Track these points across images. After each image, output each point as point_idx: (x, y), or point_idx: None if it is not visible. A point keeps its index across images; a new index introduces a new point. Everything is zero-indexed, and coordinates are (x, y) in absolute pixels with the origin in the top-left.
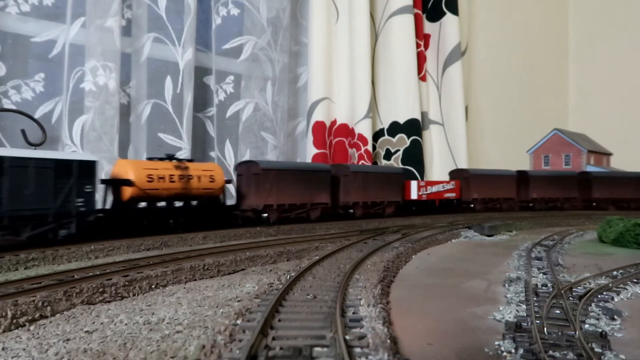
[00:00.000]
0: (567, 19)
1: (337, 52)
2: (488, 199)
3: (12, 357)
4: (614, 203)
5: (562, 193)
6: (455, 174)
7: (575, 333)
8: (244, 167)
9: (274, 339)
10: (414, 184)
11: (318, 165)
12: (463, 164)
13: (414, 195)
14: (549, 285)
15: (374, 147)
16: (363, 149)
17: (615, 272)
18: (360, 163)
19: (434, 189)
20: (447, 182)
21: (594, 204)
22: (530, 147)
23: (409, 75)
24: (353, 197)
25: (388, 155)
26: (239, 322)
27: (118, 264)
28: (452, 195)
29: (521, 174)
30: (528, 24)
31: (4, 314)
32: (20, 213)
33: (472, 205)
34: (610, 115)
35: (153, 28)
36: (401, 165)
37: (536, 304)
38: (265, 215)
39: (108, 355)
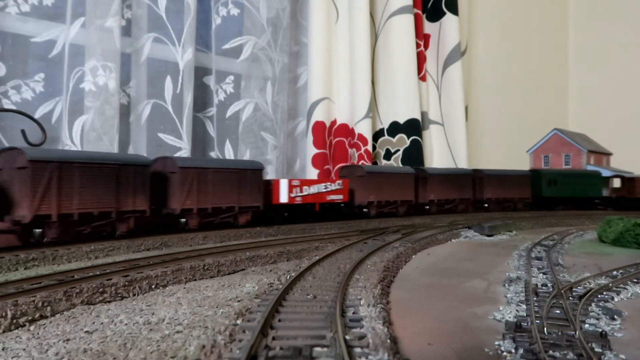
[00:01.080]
0: (567, 18)
1: (337, 52)
2: (385, 202)
3: (12, 357)
4: (500, 203)
5: (458, 193)
6: (347, 172)
7: (575, 333)
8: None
9: (274, 339)
10: (283, 183)
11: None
12: (463, 164)
13: (283, 198)
14: (549, 285)
15: (374, 147)
16: (363, 149)
17: (615, 272)
18: (360, 163)
19: (312, 189)
20: (332, 182)
21: (486, 205)
22: (530, 147)
23: (409, 75)
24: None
25: (388, 155)
26: (239, 322)
27: (118, 264)
28: (338, 197)
29: (419, 172)
30: (528, 24)
31: (4, 314)
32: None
33: (365, 210)
34: (610, 115)
35: (153, 28)
36: (401, 165)
37: (536, 304)
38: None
39: (108, 355)
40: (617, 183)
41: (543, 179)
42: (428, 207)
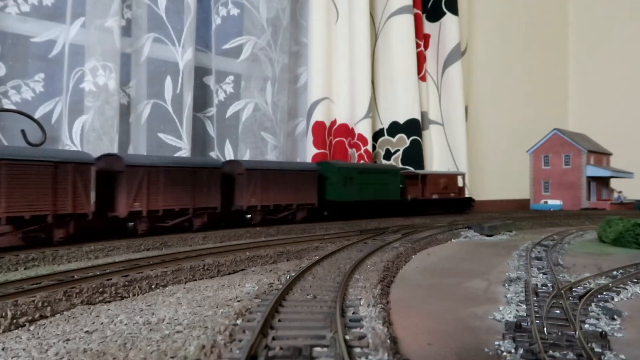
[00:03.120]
0: (567, 19)
1: (337, 52)
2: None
3: (12, 357)
4: (271, 213)
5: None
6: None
7: (575, 333)
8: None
9: (273, 339)
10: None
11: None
12: (463, 164)
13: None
14: (549, 285)
15: (374, 147)
16: (363, 149)
17: (615, 272)
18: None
19: None
20: None
21: (249, 215)
22: (530, 147)
23: (408, 75)
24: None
25: (388, 155)
26: (238, 322)
27: (118, 264)
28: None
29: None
30: (528, 24)
31: (4, 314)
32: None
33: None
34: (610, 115)
35: (153, 28)
36: (401, 165)
37: (536, 304)
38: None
39: (108, 355)
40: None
41: (335, 176)
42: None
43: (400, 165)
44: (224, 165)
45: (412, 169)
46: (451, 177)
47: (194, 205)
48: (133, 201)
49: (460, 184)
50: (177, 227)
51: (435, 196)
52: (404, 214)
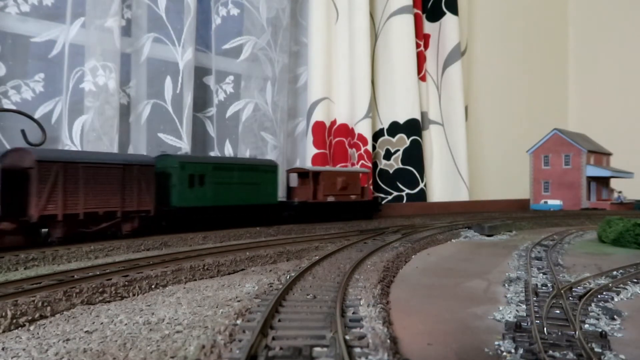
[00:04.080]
0: (567, 18)
1: (337, 52)
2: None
3: (12, 357)
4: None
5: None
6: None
7: (575, 333)
8: None
9: (273, 339)
10: None
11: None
12: (463, 164)
13: None
14: (548, 285)
15: (374, 147)
16: (363, 149)
17: (615, 272)
18: (360, 163)
19: None
20: None
21: None
22: (530, 147)
23: (408, 75)
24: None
25: (388, 155)
26: (238, 322)
27: (118, 264)
28: None
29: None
30: (528, 24)
31: (4, 314)
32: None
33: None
34: (610, 115)
35: (153, 28)
36: (401, 165)
37: (536, 304)
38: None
39: (108, 355)
40: (294, 181)
41: (178, 173)
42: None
43: (401, 165)
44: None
45: (309, 165)
46: (352, 175)
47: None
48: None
49: (363, 183)
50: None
51: (331, 198)
52: (287, 221)
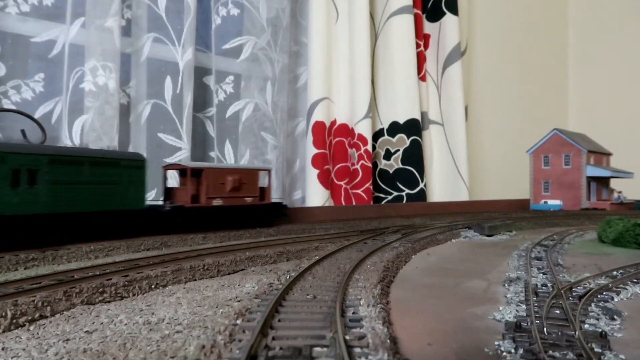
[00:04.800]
0: (567, 18)
1: (337, 52)
2: None
3: (12, 357)
4: None
5: None
6: None
7: (575, 333)
8: None
9: (273, 339)
10: None
11: None
12: (463, 164)
13: None
14: (548, 285)
15: (374, 147)
16: (363, 149)
17: (615, 272)
18: (359, 163)
19: None
20: None
21: None
22: (530, 147)
23: (408, 75)
24: None
25: (388, 155)
26: (238, 322)
27: (118, 264)
28: None
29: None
30: (528, 24)
31: (3, 314)
32: None
33: None
34: (610, 115)
35: (153, 28)
36: (401, 165)
37: (536, 304)
38: None
39: (108, 355)
40: (175, 181)
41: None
42: None
43: (401, 165)
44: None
45: (198, 163)
46: (248, 174)
47: None
48: None
49: (263, 183)
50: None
51: (218, 202)
52: (155, 231)
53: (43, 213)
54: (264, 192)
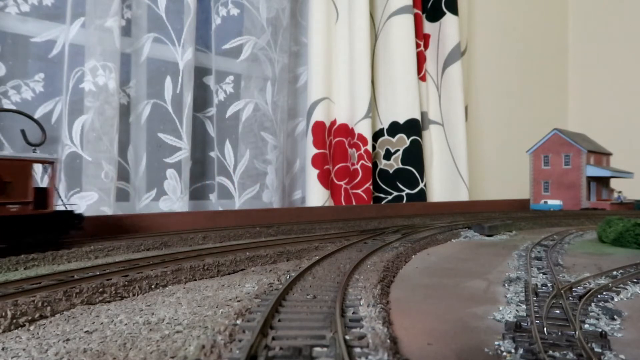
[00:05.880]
0: (567, 18)
1: (337, 52)
2: None
3: (12, 357)
4: None
5: None
6: None
7: (575, 333)
8: None
9: (273, 339)
10: None
11: None
12: (463, 164)
13: None
14: (548, 285)
15: (374, 147)
16: (363, 149)
17: (615, 272)
18: (359, 163)
19: None
20: None
21: None
22: (530, 147)
23: (408, 75)
24: None
25: (388, 155)
26: (238, 322)
27: (118, 264)
28: None
29: None
30: (528, 24)
31: (3, 314)
32: None
33: None
34: (610, 115)
35: (153, 28)
36: (401, 165)
37: (536, 304)
38: None
39: (108, 355)
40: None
41: None
42: None
43: (401, 165)
44: None
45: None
46: (13, 167)
47: None
48: None
49: (42, 182)
50: None
51: None
52: None
53: None
54: (43, 195)
